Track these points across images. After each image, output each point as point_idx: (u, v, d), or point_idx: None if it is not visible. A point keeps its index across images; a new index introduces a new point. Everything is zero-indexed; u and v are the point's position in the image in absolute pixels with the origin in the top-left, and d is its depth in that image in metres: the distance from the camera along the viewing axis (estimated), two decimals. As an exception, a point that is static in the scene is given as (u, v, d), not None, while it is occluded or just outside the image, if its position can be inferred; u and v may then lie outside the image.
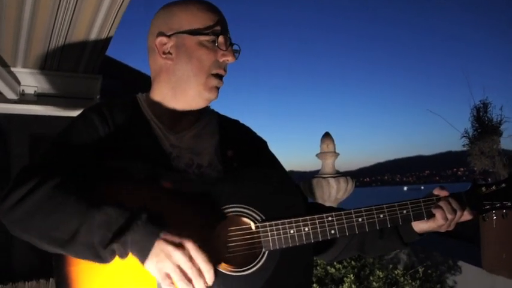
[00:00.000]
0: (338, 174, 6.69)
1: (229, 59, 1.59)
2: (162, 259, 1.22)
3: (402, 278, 3.74)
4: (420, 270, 3.96)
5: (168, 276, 1.23)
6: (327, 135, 7.01)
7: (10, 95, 2.80)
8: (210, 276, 1.27)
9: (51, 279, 3.48)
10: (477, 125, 4.27)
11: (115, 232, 1.23)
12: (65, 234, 1.25)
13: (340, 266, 4.14)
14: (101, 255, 1.25)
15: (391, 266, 4.06)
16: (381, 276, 3.70)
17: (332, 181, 6.50)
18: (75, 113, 2.67)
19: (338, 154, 6.96)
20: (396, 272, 3.84)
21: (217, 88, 1.60)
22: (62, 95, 3.01)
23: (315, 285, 3.81)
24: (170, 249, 1.22)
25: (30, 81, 2.90)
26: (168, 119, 1.62)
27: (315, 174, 7.07)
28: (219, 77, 1.60)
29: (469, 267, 4.63)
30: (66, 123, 1.59)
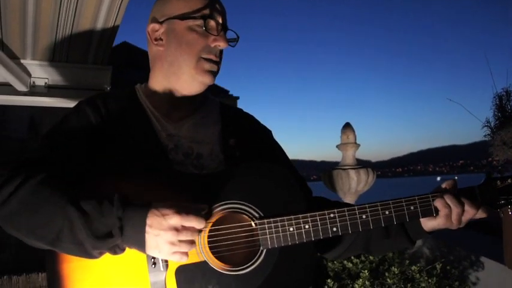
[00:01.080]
0: (358, 166, 6.57)
1: (221, 44, 1.54)
2: (160, 246, 1.23)
3: (418, 275, 3.63)
4: (438, 266, 3.84)
5: (173, 254, 1.25)
6: (347, 126, 6.88)
7: (20, 87, 2.80)
8: (203, 224, 1.30)
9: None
10: (499, 114, 4.08)
11: (98, 233, 1.22)
12: (51, 232, 1.24)
13: (358, 260, 4.07)
14: (89, 253, 1.25)
15: (407, 261, 3.94)
16: (396, 272, 3.60)
17: (352, 173, 6.38)
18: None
19: (359, 145, 6.83)
20: (412, 268, 3.73)
21: (211, 72, 1.55)
22: (72, 87, 3.01)
23: (329, 280, 3.75)
24: (163, 234, 1.22)
25: (41, 73, 2.90)
26: (166, 108, 1.60)
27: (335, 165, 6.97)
28: (212, 62, 1.55)
29: (492, 263, 4.49)
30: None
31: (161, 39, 1.58)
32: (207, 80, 1.55)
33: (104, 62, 2.96)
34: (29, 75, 2.87)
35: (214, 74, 1.56)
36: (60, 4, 2.20)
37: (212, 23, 1.54)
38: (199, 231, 1.30)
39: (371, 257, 4.13)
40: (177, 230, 1.23)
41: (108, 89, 3.08)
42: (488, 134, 4.03)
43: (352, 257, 4.09)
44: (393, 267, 3.65)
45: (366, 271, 3.65)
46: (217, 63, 1.57)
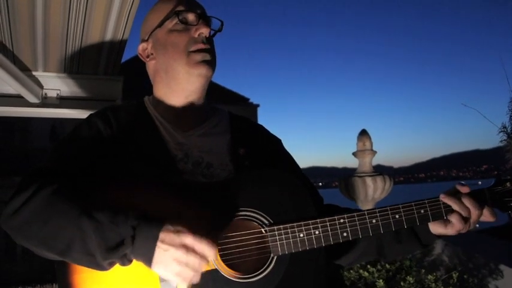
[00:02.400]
0: (375, 173, 6.51)
1: (203, 31, 1.56)
2: (167, 262, 1.20)
3: (434, 284, 3.56)
4: (454, 276, 3.76)
5: (177, 274, 1.21)
6: (363, 133, 6.84)
7: (32, 99, 2.83)
8: (213, 254, 1.26)
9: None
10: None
11: (110, 242, 1.21)
12: (62, 242, 1.23)
13: (374, 269, 4.01)
14: (99, 264, 1.23)
15: (423, 270, 3.87)
16: (411, 282, 3.54)
17: (368, 180, 6.33)
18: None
19: (375, 152, 6.78)
20: (429, 278, 3.66)
21: (205, 62, 1.55)
22: (84, 98, 3.03)
23: (345, 289, 3.70)
24: (172, 251, 1.20)
25: (53, 84, 2.93)
26: (174, 117, 1.60)
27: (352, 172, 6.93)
28: (202, 51, 1.55)
29: (511, 271, 4.40)
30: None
31: (152, 54, 1.63)
32: (202, 71, 1.55)
33: (115, 72, 2.98)
34: (41, 86, 2.90)
35: (208, 63, 1.56)
36: (69, 16, 2.22)
37: (188, 15, 1.57)
38: (208, 259, 1.27)
39: (387, 266, 4.08)
40: (187, 249, 1.21)
41: (120, 99, 3.10)
42: (504, 140, 3.96)
43: (369, 266, 4.04)
44: (409, 277, 3.58)
45: (382, 281, 3.59)
46: (208, 51, 1.57)
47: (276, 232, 1.39)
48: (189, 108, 1.61)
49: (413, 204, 1.46)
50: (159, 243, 1.20)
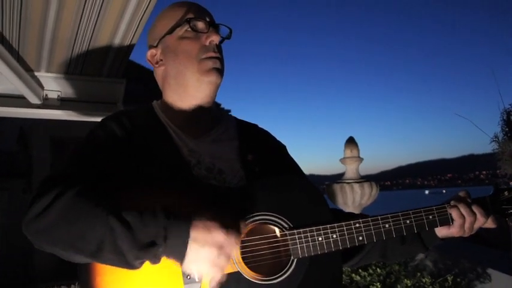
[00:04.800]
0: (362, 179, 6.63)
1: (213, 38, 1.59)
2: (200, 261, 1.23)
3: (431, 287, 3.64)
4: (449, 278, 3.86)
5: (209, 272, 1.24)
6: (350, 140, 6.96)
7: (33, 99, 2.80)
8: (239, 241, 1.32)
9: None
10: (507, 129, 4.13)
11: (141, 243, 1.22)
12: (91, 244, 1.23)
13: (366, 273, 4.07)
14: (131, 263, 1.24)
15: (418, 274, 3.96)
16: (409, 284, 3.61)
17: (356, 186, 6.45)
18: (97, 118, 2.70)
19: (362, 159, 6.90)
20: (424, 281, 3.75)
21: (216, 69, 1.58)
22: (85, 100, 3.00)
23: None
24: (206, 250, 1.22)
25: (54, 85, 2.89)
26: (183, 124, 1.63)
27: (337, 178, 7.03)
28: (213, 58, 1.58)
29: (500, 275, 4.49)
30: (86, 128, 1.61)
31: (161, 60, 1.65)
32: (213, 78, 1.57)
33: (119, 75, 2.96)
34: (42, 87, 2.87)
35: (218, 70, 1.59)
36: (80, 20, 2.22)
37: (199, 23, 1.60)
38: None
39: (378, 270, 4.14)
40: (219, 249, 1.23)
41: (121, 101, 3.08)
42: (496, 149, 4.08)
43: (360, 270, 4.10)
44: (406, 280, 3.66)
45: (379, 284, 3.66)
46: (218, 59, 1.60)
47: (296, 236, 1.43)
48: (198, 114, 1.63)
49: (422, 210, 1.56)
50: (191, 242, 1.22)
